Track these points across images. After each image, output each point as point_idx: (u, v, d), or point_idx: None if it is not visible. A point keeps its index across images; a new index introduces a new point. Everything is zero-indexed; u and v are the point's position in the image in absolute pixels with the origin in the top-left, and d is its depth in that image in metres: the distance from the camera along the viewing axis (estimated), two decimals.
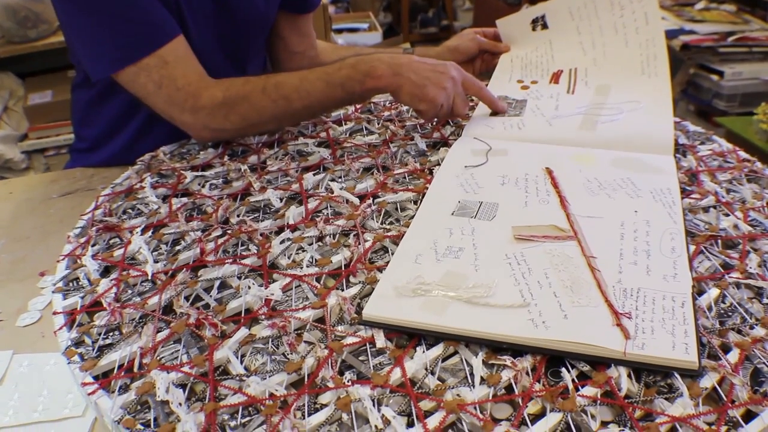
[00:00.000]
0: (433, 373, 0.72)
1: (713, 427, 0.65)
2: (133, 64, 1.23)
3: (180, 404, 0.70)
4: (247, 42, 1.53)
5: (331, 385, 0.71)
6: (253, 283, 0.87)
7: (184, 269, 0.91)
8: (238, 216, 1.04)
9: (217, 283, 0.89)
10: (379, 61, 1.24)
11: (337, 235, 0.98)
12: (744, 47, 3.80)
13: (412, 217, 0.98)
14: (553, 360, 0.73)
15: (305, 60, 1.70)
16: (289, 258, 0.94)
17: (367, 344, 0.77)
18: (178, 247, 0.98)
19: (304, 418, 0.68)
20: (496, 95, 1.35)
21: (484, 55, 1.63)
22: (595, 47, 1.46)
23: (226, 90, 1.26)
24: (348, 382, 0.71)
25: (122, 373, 0.75)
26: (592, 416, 0.67)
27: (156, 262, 0.94)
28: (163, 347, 0.79)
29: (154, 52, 1.22)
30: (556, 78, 1.43)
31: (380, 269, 0.88)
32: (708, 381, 0.70)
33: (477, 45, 1.61)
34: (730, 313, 0.81)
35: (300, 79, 1.27)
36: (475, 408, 0.67)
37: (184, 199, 1.10)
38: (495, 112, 1.33)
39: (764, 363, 0.73)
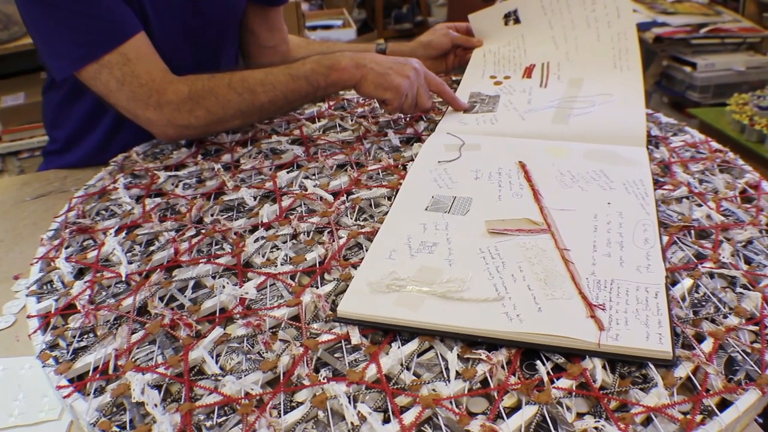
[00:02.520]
0: (408, 369, 0.72)
1: (688, 416, 0.65)
2: (94, 61, 1.22)
3: (155, 405, 0.69)
4: (217, 35, 1.52)
5: (306, 382, 0.71)
6: (228, 283, 0.86)
7: (159, 270, 0.91)
8: (212, 215, 1.04)
9: (191, 283, 0.89)
10: (342, 55, 1.27)
11: (312, 233, 0.98)
12: (716, 38, 3.82)
13: (386, 213, 0.98)
14: (528, 353, 0.73)
15: (277, 55, 1.69)
16: (263, 256, 0.94)
17: (343, 341, 0.77)
18: (152, 248, 0.98)
19: (280, 417, 0.67)
20: (468, 92, 1.35)
21: (457, 50, 1.63)
22: (568, 41, 1.46)
23: (192, 84, 1.26)
24: (324, 379, 0.71)
25: (97, 376, 0.75)
26: (568, 408, 0.67)
27: (130, 263, 0.94)
28: (138, 348, 0.79)
29: (116, 49, 1.21)
30: (528, 72, 1.44)
31: (355, 266, 0.88)
32: (682, 371, 0.70)
33: (450, 40, 1.61)
34: (703, 303, 0.81)
35: (265, 73, 1.28)
36: (450, 402, 0.67)
37: (158, 200, 1.10)
38: (467, 110, 1.33)
39: (738, 352, 0.74)
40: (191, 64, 1.37)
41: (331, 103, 1.46)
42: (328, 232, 0.97)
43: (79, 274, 0.95)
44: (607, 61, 1.39)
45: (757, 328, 0.76)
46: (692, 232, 0.94)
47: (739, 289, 0.83)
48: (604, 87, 1.32)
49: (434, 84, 1.32)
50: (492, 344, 0.74)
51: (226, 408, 0.70)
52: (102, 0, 1.20)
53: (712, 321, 0.78)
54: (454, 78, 1.56)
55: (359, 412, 0.67)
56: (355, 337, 0.77)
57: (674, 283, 0.84)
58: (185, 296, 0.87)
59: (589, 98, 1.29)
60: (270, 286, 0.87)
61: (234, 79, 1.27)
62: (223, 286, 0.86)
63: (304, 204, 1.05)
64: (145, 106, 1.26)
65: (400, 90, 1.24)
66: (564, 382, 0.69)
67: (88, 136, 1.49)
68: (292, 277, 0.88)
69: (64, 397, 0.73)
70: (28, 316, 0.86)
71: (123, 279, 0.91)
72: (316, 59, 1.27)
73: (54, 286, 0.93)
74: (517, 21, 1.55)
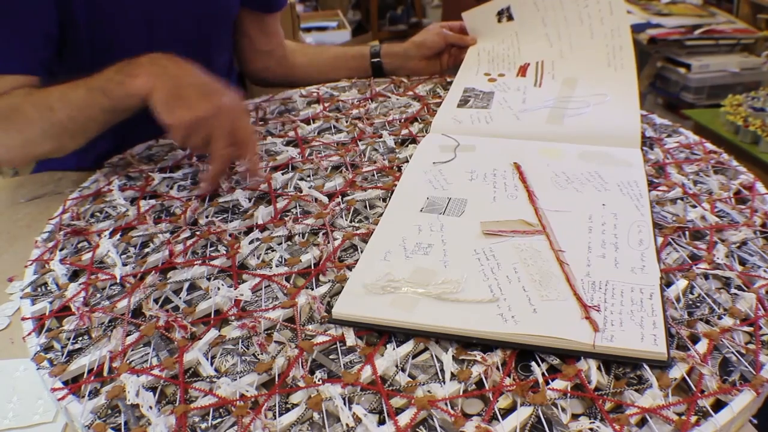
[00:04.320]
0: (403, 370, 0.72)
1: (683, 417, 0.65)
2: None
3: (150, 407, 0.69)
4: (202, 37, 1.52)
5: (301, 384, 0.71)
6: (223, 284, 0.86)
7: (153, 272, 0.91)
8: (206, 217, 1.04)
9: (186, 285, 0.89)
10: (148, 59, 1.10)
11: (306, 234, 0.98)
12: (711, 40, 3.83)
13: (381, 214, 0.98)
14: (522, 354, 0.73)
15: (272, 60, 1.69)
16: (258, 258, 0.94)
17: (338, 343, 0.77)
18: (146, 250, 0.98)
19: (275, 419, 0.67)
20: (463, 87, 1.35)
21: (452, 50, 1.63)
22: (561, 39, 1.46)
23: (2, 101, 1.18)
24: (319, 381, 0.71)
25: (92, 378, 0.74)
26: (563, 409, 0.67)
27: (125, 265, 0.94)
28: (132, 350, 0.79)
29: None
30: (523, 71, 1.44)
31: (350, 267, 0.88)
32: (677, 371, 0.70)
33: (443, 39, 1.61)
34: (698, 304, 0.81)
35: (66, 87, 1.14)
36: (446, 404, 0.67)
37: (153, 201, 1.10)
38: (461, 104, 1.33)
39: (733, 353, 0.74)
40: None
41: (326, 104, 1.46)
42: (323, 234, 0.97)
43: (74, 276, 0.95)
44: (601, 59, 1.39)
45: (752, 329, 0.77)
46: (687, 233, 0.94)
47: (733, 290, 0.83)
48: (599, 87, 1.33)
49: (244, 135, 1.11)
50: (487, 345, 0.74)
51: (221, 410, 0.70)
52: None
53: (707, 322, 0.78)
54: (448, 79, 1.56)
55: (354, 413, 0.67)
56: (350, 338, 0.77)
57: (669, 284, 0.84)
58: (180, 298, 0.87)
59: (584, 99, 1.29)
60: (265, 287, 0.87)
61: (37, 95, 1.17)
62: (218, 288, 0.86)
63: (299, 205, 1.05)
64: None
65: (192, 112, 1.05)
66: (559, 384, 0.69)
67: (90, 144, 1.48)
68: (287, 279, 0.88)
69: (59, 400, 0.73)
70: (23, 318, 0.86)
71: (118, 281, 0.90)
72: (117, 68, 1.11)
73: (48, 288, 0.93)
74: (510, 18, 1.55)
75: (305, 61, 1.72)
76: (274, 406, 0.69)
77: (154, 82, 1.06)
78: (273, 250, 0.95)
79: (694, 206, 1.00)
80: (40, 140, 1.17)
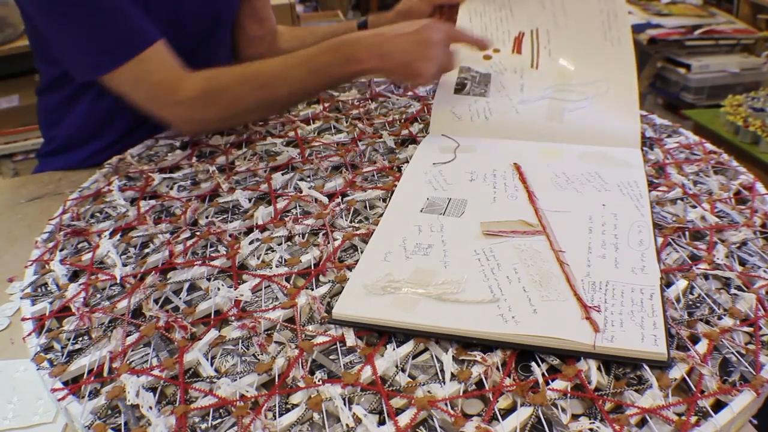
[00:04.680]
0: (403, 371, 0.72)
1: (683, 417, 0.65)
2: (113, 69, 1.23)
3: (150, 408, 0.69)
4: (212, 36, 1.52)
5: (302, 384, 0.71)
6: (223, 285, 0.86)
7: (153, 272, 0.91)
8: (206, 217, 1.04)
9: (186, 285, 0.89)
10: (359, 43, 1.21)
11: (307, 235, 0.98)
12: (710, 40, 3.83)
13: (381, 215, 0.98)
14: (523, 354, 0.73)
15: (264, 45, 1.69)
16: (258, 258, 0.93)
17: (338, 343, 0.77)
18: (146, 250, 0.98)
19: (275, 419, 0.67)
20: (457, 66, 1.33)
21: (443, 11, 1.56)
22: (554, 1, 1.42)
23: (206, 81, 1.26)
24: (319, 381, 0.71)
25: (92, 378, 0.74)
26: (563, 410, 0.67)
27: (125, 265, 0.94)
28: (132, 351, 0.79)
29: (134, 58, 1.23)
30: (518, 46, 1.40)
31: (350, 268, 0.88)
32: (677, 372, 0.70)
33: (429, 4, 1.56)
34: (698, 304, 0.81)
35: (282, 66, 1.26)
36: (446, 404, 0.67)
37: (153, 202, 1.10)
38: (458, 90, 1.31)
39: (732, 353, 0.74)
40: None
41: (326, 104, 1.46)
42: (323, 234, 0.97)
43: (74, 276, 0.95)
44: (596, 31, 1.34)
45: (752, 329, 0.77)
46: (687, 233, 0.94)
47: (733, 291, 0.83)
48: (596, 70, 1.29)
49: (458, 39, 1.28)
50: (487, 346, 0.74)
51: (221, 410, 0.70)
52: (119, 10, 1.21)
53: (707, 322, 0.78)
54: None
55: (354, 413, 0.67)
56: (351, 338, 0.77)
57: (669, 284, 0.84)
58: (180, 298, 0.87)
59: (582, 89, 1.27)
60: (265, 288, 0.87)
61: (249, 74, 1.26)
62: (218, 289, 0.86)
63: (299, 206, 1.05)
64: (161, 106, 1.27)
65: (427, 74, 1.20)
66: (559, 384, 0.69)
67: (94, 138, 1.48)
68: (287, 279, 0.88)
69: (59, 400, 0.73)
70: (23, 319, 0.86)
71: (118, 281, 0.90)
72: (332, 48, 1.23)
73: (48, 288, 0.93)
74: None
75: (296, 45, 1.70)
76: (274, 406, 0.69)
77: (383, 63, 1.20)
78: (273, 251, 0.95)
79: (694, 206, 1.00)
80: (247, 113, 1.33)
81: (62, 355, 0.79)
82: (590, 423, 0.65)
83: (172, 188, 1.14)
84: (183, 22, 1.41)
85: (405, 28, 1.20)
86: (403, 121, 1.35)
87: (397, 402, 0.69)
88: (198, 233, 0.99)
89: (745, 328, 0.77)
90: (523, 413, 0.66)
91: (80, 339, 0.82)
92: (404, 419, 0.66)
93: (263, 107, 1.31)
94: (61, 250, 1.00)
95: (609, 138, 1.17)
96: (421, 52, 1.19)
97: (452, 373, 0.71)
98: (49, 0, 1.19)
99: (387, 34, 1.20)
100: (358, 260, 0.88)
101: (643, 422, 0.66)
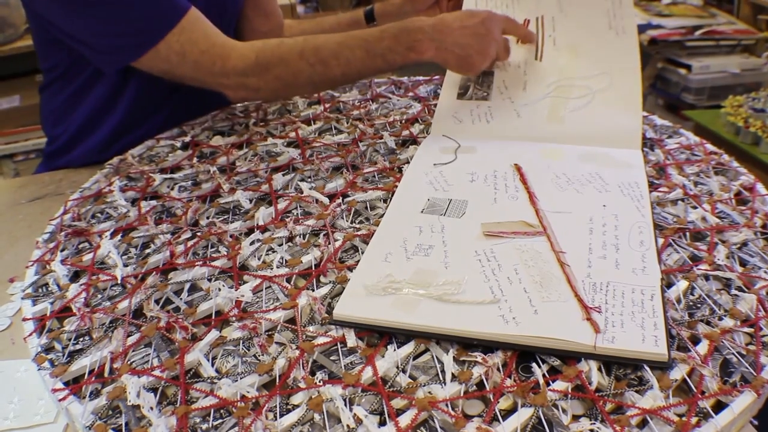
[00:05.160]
0: (404, 371, 0.72)
1: (684, 418, 0.65)
2: (153, 47, 1.24)
3: (151, 408, 0.69)
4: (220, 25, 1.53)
5: (302, 385, 0.71)
6: (224, 285, 0.86)
7: (154, 272, 0.91)
8: (207, 218, 1.04)
9: (187, 286, 0.89)
10: (421, 32, 1.20)
11: (307, 235, 0.98)
12: (711, 41, 3.84)
13: (382, 215, 0.98)
14: (523, 355, 0.73)
15: None
16: (259, 259, 0.94)
17: (338, 344, 0.77)
18: (147, 251, 0.98)
19: (276, 420, 0.67)
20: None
21: None
22: None
23: (260, 51, 1.26)
24: (319, 382, 0.71)
25: (93, 379, 0.75)
26: (564, 410, 0.67)
27: (126, 265, 0.94)
28: (133, 351, 0.79)
29: (172, 30, 1.23)
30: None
31: (350, 268, 0.88)
32: (678, 373, 0.70)
33: None
34: (699, 305, 0.81)
35: (340, 45, 1.25)
36: (446, 405, 0.67)
37: (153, 202, 1.10)
38: (461, 94, 1.31)
39: (733, 354, 0.74)
40: None
41: (327, 105, 1.46)
42: (324, 235, 0.97)
43: (75, 276, 0.95)
44: (601, 18, 1.34)
45: (752, 330, 0.77)
46: (687, 234, 0.94)
47: (734, 291, 0.83)
48: (600, 62, 1.29)
49: (512, 31, 1.30)
50: (488, 347, 0.74)
51: (222, 411, 0.70)
52: None
53: (708, 323, 0.78)
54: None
55: (355, 414, 0.67)
56: (351, 339, 0.77)
57: (669, 285, 0.84)
58: (181, 299, 0.87)
59: (585, 83, 1.27)
60: (266, 288, 0.87)
61: (307, 49, 1.26)
62: (219, 289, 0.86)
63: (300, 206, 1.05)
64: (211, 74, 1.27)
65: (482, 67, 1.22)
66: (560, 385, 0.69)
67: (93, 133, 1.48)
68: (288, 280, 0.88)
69: (60, 400, 0.73)
70: (24, 319, 0.87)
71: (119, 282, 0.90)
72: (395, 34, 1.22)
73: (49, 288, 0.93)
74: None
75: None
76: (275, 407, 0.69)
77: (441, 55, 1.21)
78: (274, 251, 0.95)
79: (694, 207, 1.00)
80: (301, 86, 1.34)
81: (63, 356, 0.79)
82: (591, 424, 0.65)
83: (173, 189, 1.14)
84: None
85: (467, 20, 1.21)
86: (403, 121, 1.35)
87: (397, 403, 0.69)
88: (199, 234, 0.99)
89: (746, 329, 0.77)
90: (524, 414, 0.66)
91: (81, 339, 0.82)
92: (405, 420, 0.66)
93: (316, 83, 1.32)
94: (62, 251, 1.00)
95: (610, 138, 1.17)
96: (480, 46, 1.20)
97: (453, 374, 0.71)
98: None
99: (449, 25, 1.20)
100: (358, 261, 0.88)
101: (643, 423, 0.66)
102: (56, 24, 1.28)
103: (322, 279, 0.88)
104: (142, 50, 1.24)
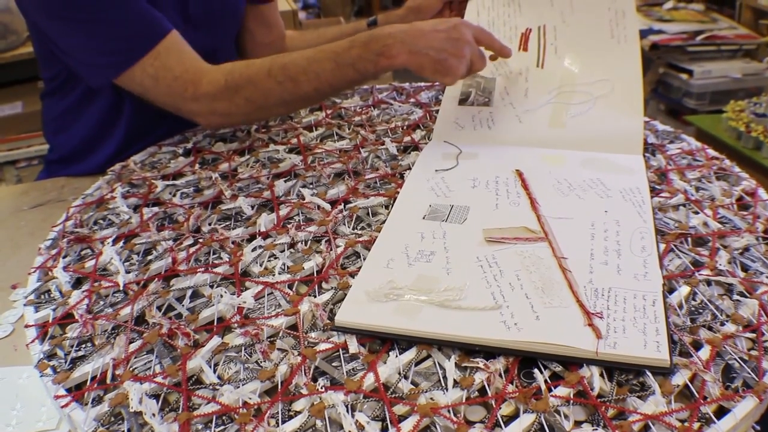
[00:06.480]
0: (406, 378, 0.72)
1: (686, 424, 0.65)
2: (129, 67, 1.24)
3: (153, 415, 0.69)
4: (220, 43, 1.53)
5: (304, 391, 0.71)
6: (226, 292, 0.86)
7: (156, 279, 0.91)
8: (209, 224, 1.04)
9: (189, 293, 0.89)
10: (391, 38, 1.17)
11: (309, 242, 0.98)
12: (712, 46, 3.83)
13: (384, 222, 0.98)
14: (525, 361, 0.73)
15: (273, 51, 1.67)
16: (261, 265, 0.94)
17: (340, 350, 0.77)
18: (149, 257, 0.98)
19: (278, 426, 0.67)
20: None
21: (452, 5, 1.57)
22: None
23: (228, 74, 1.25)
24: (321, 388, 0.71)
25: (95, 385, 0.75)
26: (566, 416, 0.67)
27: (128, 272, 0.94)
28: (135, 358, 0.79)
29: (149, 52, 1.23)
30: (525, 42, 1.39)
31: (352, 275, 0.88)
32: (680, 378, 0.70)
33: None
34: (700, 310, 0.81)
35: (308, 60, 1.22)
36: (448, 411, 0.67)
37: (156, 209, 1.10)
38: (462, 101, 1.31)
39: (735, 359, 0.74)
40: None
41: (329, 111, 1.46)
42: (326, 241, 0.97)
43: (77, 283, 0.95)
44: (603, 27, 1.34)
45: (755, 335, 0.76)
46: (689, 239, 0.94)
47: (736, 297, 0.83)
48: (601, 67, 1.29)
49: (485, 41, 1.24)
50: (490, 353, 0.74)
51: (224, 417, 0.70)
52: (132, 7, 1.22)
53: (710, 328, 0.78)
54: None
55: (357, 421, 0.67)
56: (353, 345, 0.77)
57: (671, 290, 0.84)
58: (183, 305, 0.87)
59: (587, 90, 1.27)
60: (268, 295, 0.87)
61: (274, 67, 1.24)
62: (221, 296, 0.86)
63: (302, 213, 1.05)
64: (183, 100, 1.27)
65: (458, 72, 1.17)
66: (562, 390, 0.69)
67: (97, 148, 1.48)
68: (290, 286, 0.88)
69: (62, 407, 0.73)
70: (26, 326, 0.87)
71: (121, 288, 0.91)
72: (364, 42, 1.18)
73: (52, 295, 0.93)
74: None
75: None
76: (277, 413, 0.69)
77: (414, 59, 1.16)
78: (276, 258, 0.95)
79: (696, 212, 1.00)
80: (272, 107, 1.29)
81: (65, 362, 0.79)
82: (593, 430, 0.65)
83: (175, 195, 1.14)
84: (188, 30, 1.41)
85: (437, 25, 1.18)
86: (405, 128, 1.35)
87: (399, 409, 0.69)
88: (201, 240, 0.99)
89: (748, 334, 0.77)
90: (526, 420, 0.66)
91: (83, 346, 0.82)
92: (407, 426, 0.66)
93: (288, 102, 1.28)
94: (64, 257, 1.00)
95: (611, 144, 1.17)
96: (453, 49, 1.16)
97: (455, 380, 0.71)
98: (58, 7, 1.20)
99: (419, 29, 1.18)
100: (360, 267, 0.88)
101: (645, 429, 0.66)
102: (48, 35, 1.29)
103: (323, 285, 0.88)
104: (118, 70, 1.25)
